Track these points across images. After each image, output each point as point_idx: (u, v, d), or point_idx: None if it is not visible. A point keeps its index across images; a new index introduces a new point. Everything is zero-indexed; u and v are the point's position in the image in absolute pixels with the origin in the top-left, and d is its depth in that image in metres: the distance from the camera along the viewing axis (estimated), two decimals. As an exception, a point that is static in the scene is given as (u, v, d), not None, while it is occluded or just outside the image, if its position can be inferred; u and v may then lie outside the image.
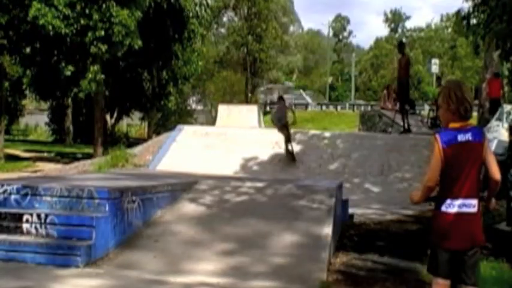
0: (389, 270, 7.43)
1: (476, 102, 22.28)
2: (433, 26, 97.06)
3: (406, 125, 18.51)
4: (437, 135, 4.61)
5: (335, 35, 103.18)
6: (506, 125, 15.49)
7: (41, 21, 24.07)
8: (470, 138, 4.54)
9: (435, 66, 60.69)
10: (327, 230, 7.85)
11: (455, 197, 4.53)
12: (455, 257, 4.57)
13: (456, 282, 4.63)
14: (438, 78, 25.78)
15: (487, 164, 4.59)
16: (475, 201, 4.56)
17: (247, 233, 7.88)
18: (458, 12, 22.87)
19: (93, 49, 25.04)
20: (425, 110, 34.42)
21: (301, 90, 79.68)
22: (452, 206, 4.54)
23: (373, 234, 9.43)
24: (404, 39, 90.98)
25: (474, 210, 4.56)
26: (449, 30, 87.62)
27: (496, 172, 4.60)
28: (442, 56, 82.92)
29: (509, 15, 19.08)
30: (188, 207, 8.83)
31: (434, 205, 4.70)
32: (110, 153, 19.47)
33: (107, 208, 7.34)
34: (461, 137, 4.54)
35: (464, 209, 4.53)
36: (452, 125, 4.62)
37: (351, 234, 9.29)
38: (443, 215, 4.58)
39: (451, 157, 4.51)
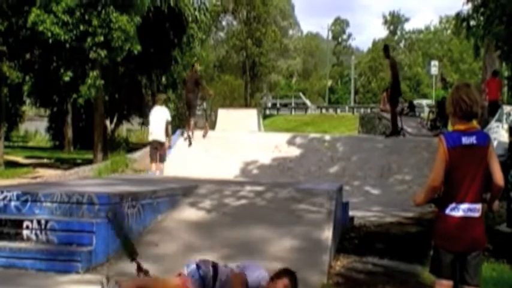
0: (390, 273, 7.43)
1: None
2: (432, 28, 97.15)
3: (397, 128, 18.33)
4: (442, 137, 4.63)
5: (334, 37, 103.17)
6: (506, 126, 15.49)
7: (40, 28, 24.12)
8: (474, 141, 4.55)
9: (435, 68, 60.66)
10: (327, 233, 7.85)
11: (460, 201, 4.54)
12: (458, 259, 4.58)
13: (459, 283, 4.64)
14: (443, 80, 25.43)
15: (490, 169, 4.59)
16: (479, 206, 4.58)
17: (247, 237, 7.88)
18: (457, 15, 22.94)
19: (92, 54, 25.08)
20: (425, 112, 34.43)
21: (301, 94, 79.69)
22: (457, 210, 4.55)
23: (374, 237, 9.43)
24: (402, 44, 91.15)
25: (478, 214, 4.58)
26: (449, 32, 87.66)
27: (499, 178, 4.60)
28: (442, 58, 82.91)
29: (509, 16, 19.13)
30: (188, 212, 8.83)
31: (438, 207, 4.70)
32: (109, 159, 19.55)
33: (107, 213, 7.34)
34: (465, 140, 4.54)
35: (469, 214, 4.54)
36: (457, 127, 4.63)
37: (351, 237, 9.29)
38: (447, 218, 4.58)
39: (455, 159, 4.52)
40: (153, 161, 14.86)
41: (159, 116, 14.87)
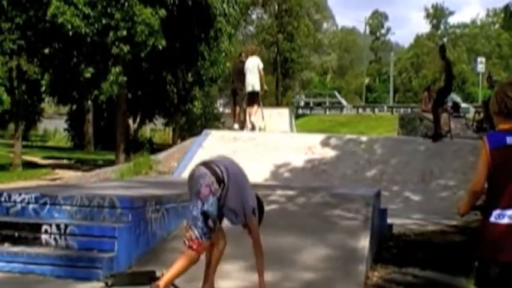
0: (432, 285, 7.37)
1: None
2: (478, 22, 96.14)
3: (438, 130, 18.17)
4: (484, 137, 4.55)
5: (372, 32, 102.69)
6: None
7: (60, 20, 24.39)
8: None
9: (481, 65, 59.85)
10: (364, 241, 7.82)
11: (505, 206, 4.45)
12: (506, 271, 4.51)
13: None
14: (489, 78, 25.07)
15: None
16: None
17: (277, 245, 7.86)
18: (506, 7, 22.67)
19: (114, 50, 25.30)
20: (471, 112, 34.07)
21: (336, 92, 79.46)
22: (503, 217, 4.45)
23: (414, 246, 9.36)
24: (445, 39, 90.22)
25: None
26: (496, 26, 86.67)
27: None
28: (490, 54, 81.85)
29: (562, 9, 18.83)
30: (215, 217, 8.84)
31: (482, 215, 4.63)
32: (132, 160, 19.66)
33: (130, 218, 7.38)
34: (510, 140, 4.45)
35: None
36: (501, 126, 4.56)
37: (389, 246, 9.24)
38: (493, 226, 4.49)
39: (499, 161, 4.43)
40: (249, 118, 17.97)
41: (254, 66, 17.51)
